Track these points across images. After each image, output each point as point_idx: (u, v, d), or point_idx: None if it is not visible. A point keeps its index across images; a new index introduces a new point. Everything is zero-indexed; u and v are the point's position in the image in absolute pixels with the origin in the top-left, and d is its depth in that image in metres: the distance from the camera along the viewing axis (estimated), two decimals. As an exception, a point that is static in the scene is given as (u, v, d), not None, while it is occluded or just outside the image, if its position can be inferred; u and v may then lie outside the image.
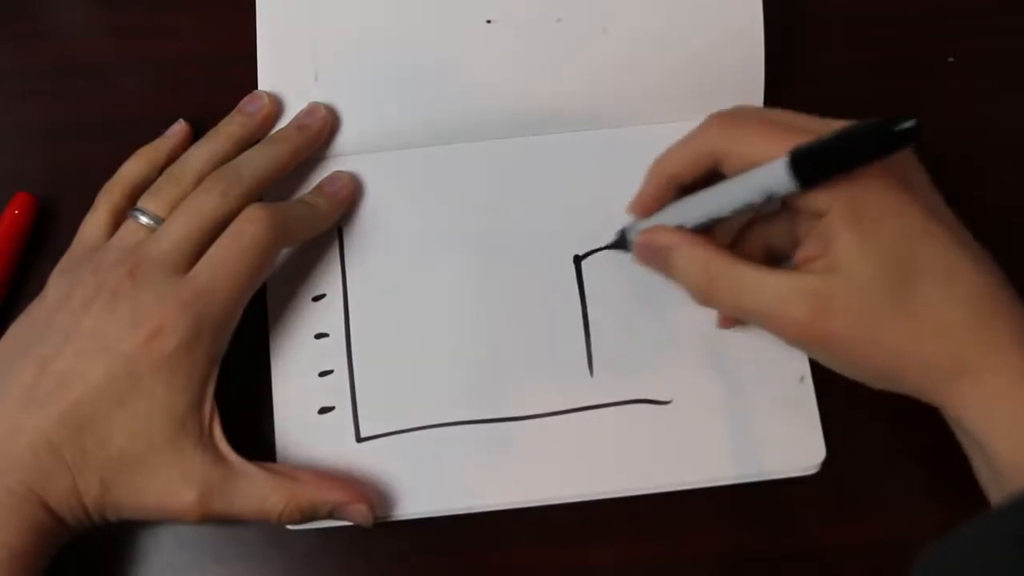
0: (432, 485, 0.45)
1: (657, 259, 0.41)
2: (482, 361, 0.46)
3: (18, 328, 0.42)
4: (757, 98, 0.49)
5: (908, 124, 0.35)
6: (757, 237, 0.44)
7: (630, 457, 0.45)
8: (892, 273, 0.37)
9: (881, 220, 0.37)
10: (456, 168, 0.49)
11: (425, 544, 0.45)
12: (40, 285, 0.44)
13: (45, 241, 0.49)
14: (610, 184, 0.48)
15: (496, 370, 0.46)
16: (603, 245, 0.47)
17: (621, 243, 0.45)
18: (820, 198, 0.38)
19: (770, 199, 0.38)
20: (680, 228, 0.41)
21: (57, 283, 0.43)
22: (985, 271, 0.38)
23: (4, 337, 0.42)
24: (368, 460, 0.45)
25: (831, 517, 0.46)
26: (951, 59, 0.53)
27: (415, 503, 0.45)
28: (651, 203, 0.43)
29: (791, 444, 0.46)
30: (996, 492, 0.38)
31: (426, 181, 0.49)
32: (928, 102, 0.52)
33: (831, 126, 0.38)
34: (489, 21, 0.49)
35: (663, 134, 0.49)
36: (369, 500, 0.43)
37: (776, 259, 0.43)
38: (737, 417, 0.46)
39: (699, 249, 0.40)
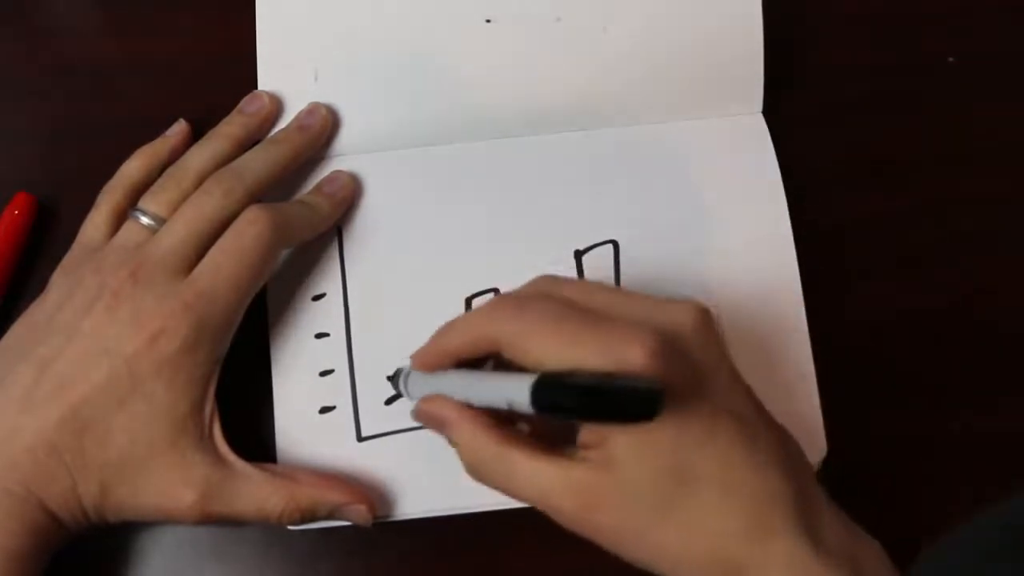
0: (432, 485, 0.45)
1: (434, 427, 0.40)
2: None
3: (19, 329, 0.42)
4: (757, 98, 0.49)
5: (652, 405, 0.32)
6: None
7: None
8: (666, 480, 0.35)
9: (659, 427, 0.34)
10: (456, 168, 0.49)
11: (425, 544, 0.45)
12: (40, 285, 0.44)
13: (45, 241, 0.49)
14: (610, 184, 0.48)
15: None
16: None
17: (395, 380, 0.44)
18: None
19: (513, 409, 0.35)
20: (461, 403, 0.38)
21: (58, 284, 0.43)
22: (770, 470, 0.36)
23: (4, 338, 0.42)
24: (368, 460, 0.45)
25: (831, 517, 0.46)
26: (951, 59, 0.53)
27: (415, 503, 0.45)
28: (431, 367, 0.40)
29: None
30: None
31: (426, 181, 0.49)
32: (928, 102, 0.52)
33: (637, 334, 0.34)
34: (489, 21, 0.49)
35: (663, 134, 0.49)
36: (369, 500, 0.43)
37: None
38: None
39: (468, 432, 0.38)
